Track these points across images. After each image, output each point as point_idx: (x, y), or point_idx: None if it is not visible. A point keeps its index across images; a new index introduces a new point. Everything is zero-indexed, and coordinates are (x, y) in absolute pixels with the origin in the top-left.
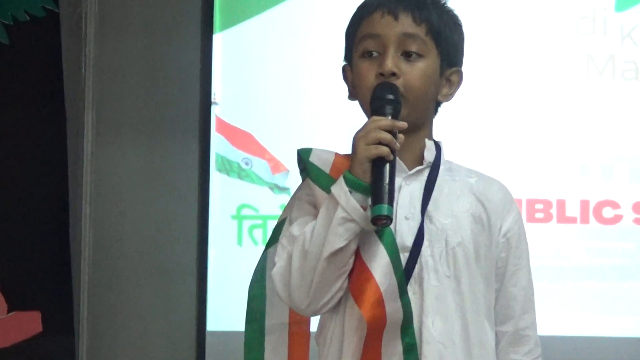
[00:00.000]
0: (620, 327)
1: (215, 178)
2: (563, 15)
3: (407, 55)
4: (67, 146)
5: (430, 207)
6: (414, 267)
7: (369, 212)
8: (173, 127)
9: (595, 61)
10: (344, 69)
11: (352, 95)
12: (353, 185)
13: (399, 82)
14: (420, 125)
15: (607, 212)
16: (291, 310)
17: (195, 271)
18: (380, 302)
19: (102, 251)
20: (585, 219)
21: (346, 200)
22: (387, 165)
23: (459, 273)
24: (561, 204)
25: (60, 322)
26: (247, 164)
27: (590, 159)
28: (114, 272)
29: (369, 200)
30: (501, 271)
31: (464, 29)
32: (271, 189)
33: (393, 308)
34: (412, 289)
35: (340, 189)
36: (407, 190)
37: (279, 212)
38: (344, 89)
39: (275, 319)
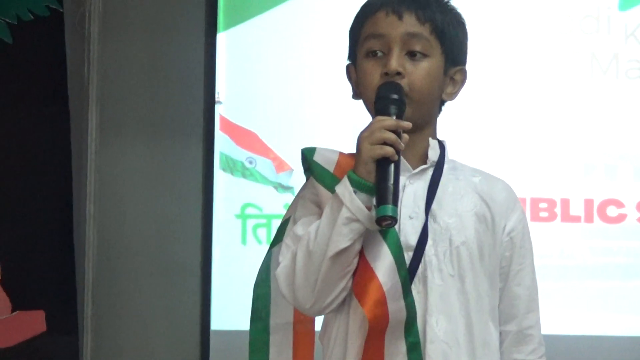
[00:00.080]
0: (624, 326)
1: (220, 177)
2: (567, 14)
3: (411, 54)
4: (70, 145)
5: (434, 206)
6: (418, 266)
7: (373, 212)
8: (177, 126)
9: (599, 60)
10: (347, 68)
11: (356, 95)
12: (357, 186)
13: (403, 82)
14: (425, 125)
15: (611, 211)
16: (296, 310)
17: (200, 270)
18: (382, 302)
19: (106, 250)
20: (589, 218)
21: (351, 200)
22: (392, 166)
23: (463, 272)
24: (565, 203)
25: (64, 322)
26: (251, 163)
27: (594, 158)
28: (117, 272)
29: (374, 200)
30: (505, 270)
31: (468, 28)
32: (275, 188)
33: (396, 307)
34: (416, 288)
35: (344, 188)
36: (411, 190)
37: (283, 211)
38: (348, 88)
39: (280, 318)
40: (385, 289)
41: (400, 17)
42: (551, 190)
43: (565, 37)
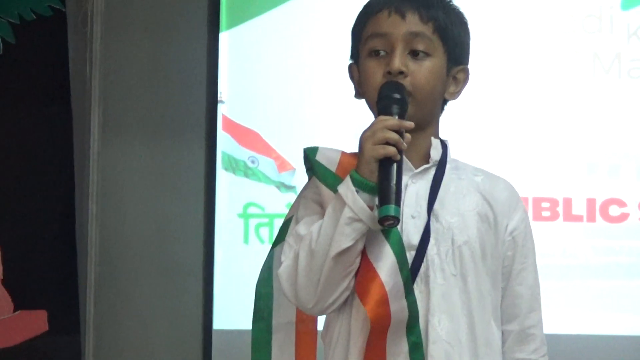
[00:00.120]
0: (626, 325)
1: (222, 176)
2: (569, 14)
3: (414, 54)
4: (73, 145)
5: (436, 205)
6: (420, 265)
7: (375, 212)
8: (179, 125)
9: (602, 59)
10: (350, 67)
11: (359, 94)
12: (360, 185)
13: (406, 81)
14: (427, 124)
15: (614, 210)
16: (298, 309)
17: (202, 270)
18: (384, 301)
19: (108, 250)
20: (591, 217)
21: (353, 200)
22: (394, 165)
23: (465, 272)
24: (568, 202)
25: (66, 321)
26: (253, 162)
27: (597, 157)
28: (120, 271)
29: (376, 200)
30: (507, 270)
31: (470, 27)
32: (277, 187)
33: (398, 307)
34: (418, 288)
35: (347, 188)
36: (414, 189)
37: (286, 211)
38: (350, 87)
39: (282, 317)
40: (387, 288)
41: (403, 17)
42: (553, 190)
43: (567, 37)
